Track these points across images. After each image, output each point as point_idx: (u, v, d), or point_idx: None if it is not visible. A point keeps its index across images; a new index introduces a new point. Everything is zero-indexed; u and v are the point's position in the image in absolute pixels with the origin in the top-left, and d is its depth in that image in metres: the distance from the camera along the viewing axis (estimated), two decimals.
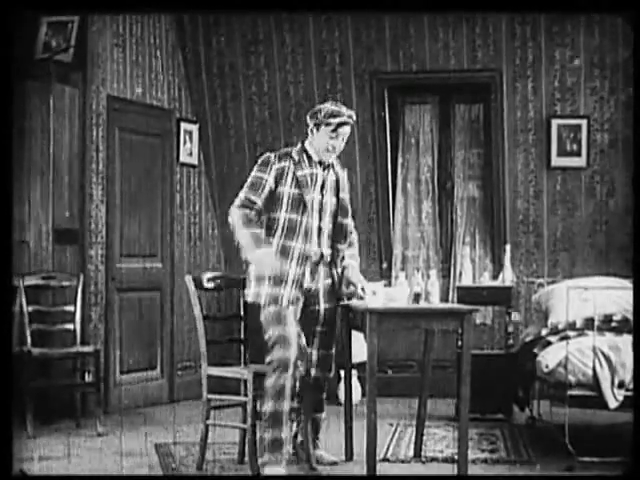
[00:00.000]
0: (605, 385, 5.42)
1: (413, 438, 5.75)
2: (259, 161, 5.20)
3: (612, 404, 5.44)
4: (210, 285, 5.52)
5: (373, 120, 8.07)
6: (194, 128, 8.24)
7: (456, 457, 5.11)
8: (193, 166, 8.28)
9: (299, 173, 5.14)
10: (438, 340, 7.42)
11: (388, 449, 5.88)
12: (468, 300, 6.45)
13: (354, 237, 5.42)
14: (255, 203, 5.10)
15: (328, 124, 5.11)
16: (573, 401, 5.46)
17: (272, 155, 5.19)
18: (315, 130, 5.17)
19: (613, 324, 6.02)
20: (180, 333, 8.01)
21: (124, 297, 7.53)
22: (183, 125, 8.12)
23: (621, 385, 5.45)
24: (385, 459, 5.59)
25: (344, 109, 5.18)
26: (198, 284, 5.43)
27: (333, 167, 5.28)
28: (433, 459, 5.58)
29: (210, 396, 5.35)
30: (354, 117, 5.21)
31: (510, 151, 7.95)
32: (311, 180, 5.16)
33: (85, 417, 6.68)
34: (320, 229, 5.18)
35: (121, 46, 7.49)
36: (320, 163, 5.21)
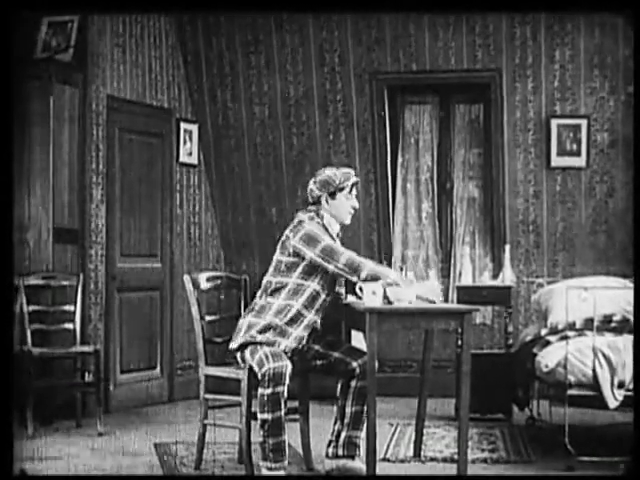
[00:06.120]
0: (605, 385, 5.42)
1: (413, 438, 5.75)
2: (316, 228, 5.03)
3: (612, 404, 5.44)
4: (209, 285, 5.51)
5: (373, 120, 8.06)
6: (194, 128, 8.24)
7: (456, 457, 5.11)
8: (193, 166, 8.28)
9: None
10: (438, 340, 7.45)
11: (388, 449, 5.89)
12: (468, 300, 6.46)
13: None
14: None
15: (343, 188, 5.11)
16: (573, 401, 5.46)
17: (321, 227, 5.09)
18: (330, 199, 5.11)
19: (613, 324, 6.01)
20: (180, 333, 8.02)
21: (124, 297, 7.54)
22: (183, 125, 8.13)
23: (621, 385, 5.45)
24: (385, 459, 5.60)
25: (346, 168, 5.24)
26: (196, 284, 5.43)
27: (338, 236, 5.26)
28: (433, 459, 5.59)
29: (207, 396, 5.34)
30: None
31: (510, 151, 7.94)
32: None
33: (85, 417, 6.68)
34: (325, 301, 5.14)
35: (121, 46, 7.49)
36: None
